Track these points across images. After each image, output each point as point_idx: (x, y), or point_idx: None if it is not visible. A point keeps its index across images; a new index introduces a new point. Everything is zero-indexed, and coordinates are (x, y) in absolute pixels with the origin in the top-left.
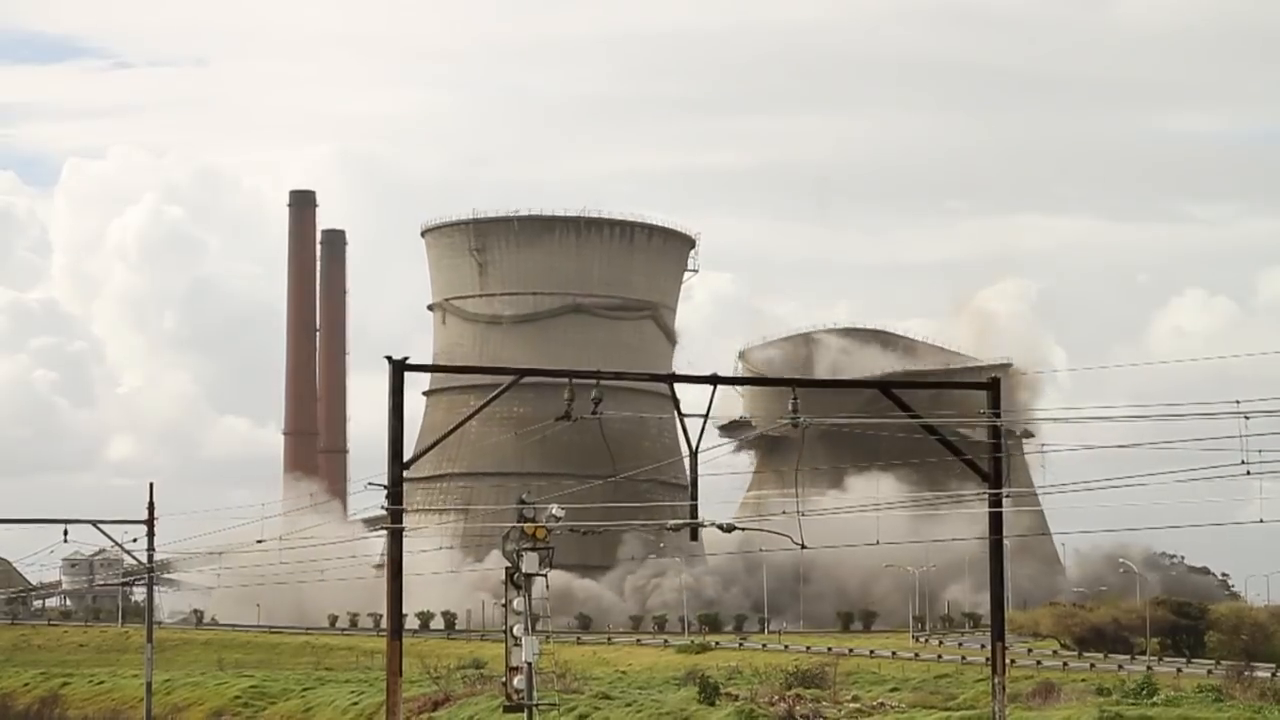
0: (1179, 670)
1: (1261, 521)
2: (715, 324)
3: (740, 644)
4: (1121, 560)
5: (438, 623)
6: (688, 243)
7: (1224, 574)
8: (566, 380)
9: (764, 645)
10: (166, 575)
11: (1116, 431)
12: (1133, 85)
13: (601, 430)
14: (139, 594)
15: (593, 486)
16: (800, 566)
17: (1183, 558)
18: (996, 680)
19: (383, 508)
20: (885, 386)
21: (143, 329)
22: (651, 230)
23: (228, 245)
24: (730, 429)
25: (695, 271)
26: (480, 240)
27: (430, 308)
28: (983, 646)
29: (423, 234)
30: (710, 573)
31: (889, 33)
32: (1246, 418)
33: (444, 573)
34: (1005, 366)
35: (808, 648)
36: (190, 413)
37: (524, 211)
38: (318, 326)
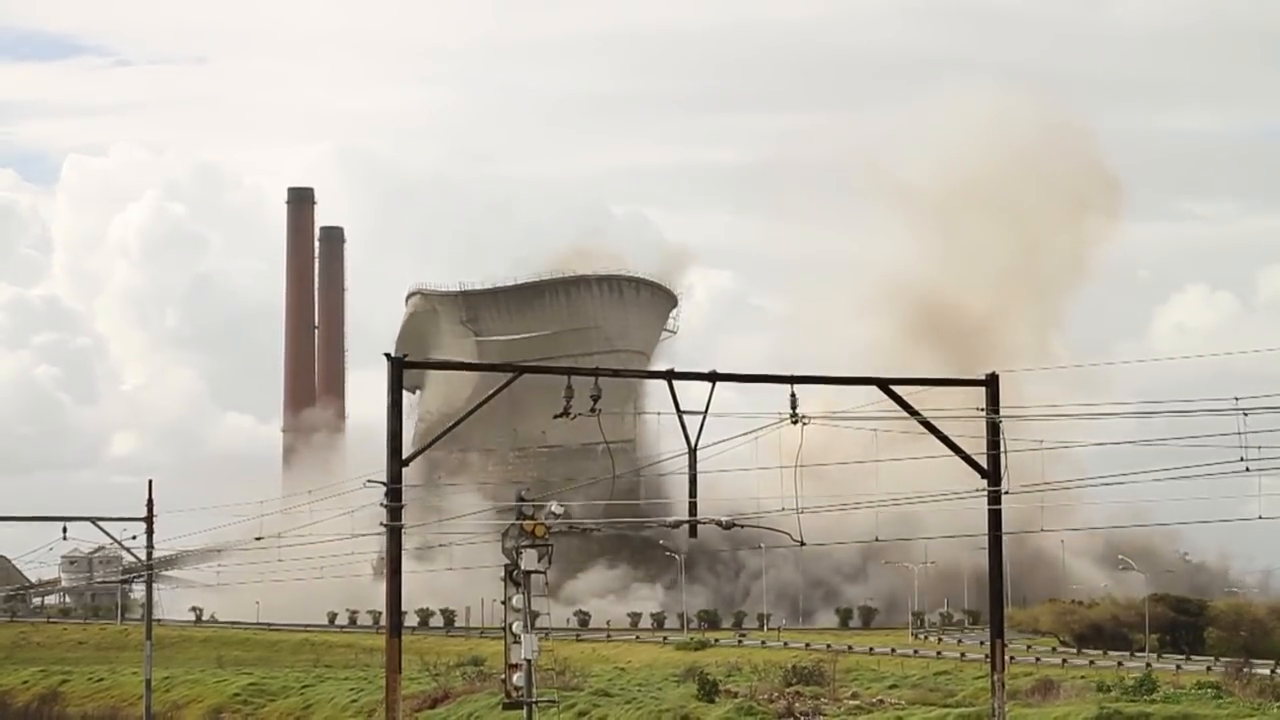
0: (1178, 667)
1: (1261, 518)
2: (714, 321)
3: (739, 641)
4: (1121, 557)
5: (437, 620)
6: (671, 300)
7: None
8: (565, 378)
9: (763, 642)
10: (165, 573)
11: (1116, 428)
12: (1132, 83)
13: (600, 429)
14: (138, 591)
15: (592, 484)
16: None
17: (1187, 554)
18: (996, 677)
19: (381, 505)
20: (884, 383)
21: (145, 326)
22: (639, 283)
23: (229, 242)
24: None
25: (674, 333)
26: (471, 311)
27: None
28: (982, 643)
29: (409, 297)
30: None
31: (886, 31)
32: (1245, 414)
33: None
34: None
35: (807, 645)
36: (194, 409)
37: (515, 279)
38: (316, 324)
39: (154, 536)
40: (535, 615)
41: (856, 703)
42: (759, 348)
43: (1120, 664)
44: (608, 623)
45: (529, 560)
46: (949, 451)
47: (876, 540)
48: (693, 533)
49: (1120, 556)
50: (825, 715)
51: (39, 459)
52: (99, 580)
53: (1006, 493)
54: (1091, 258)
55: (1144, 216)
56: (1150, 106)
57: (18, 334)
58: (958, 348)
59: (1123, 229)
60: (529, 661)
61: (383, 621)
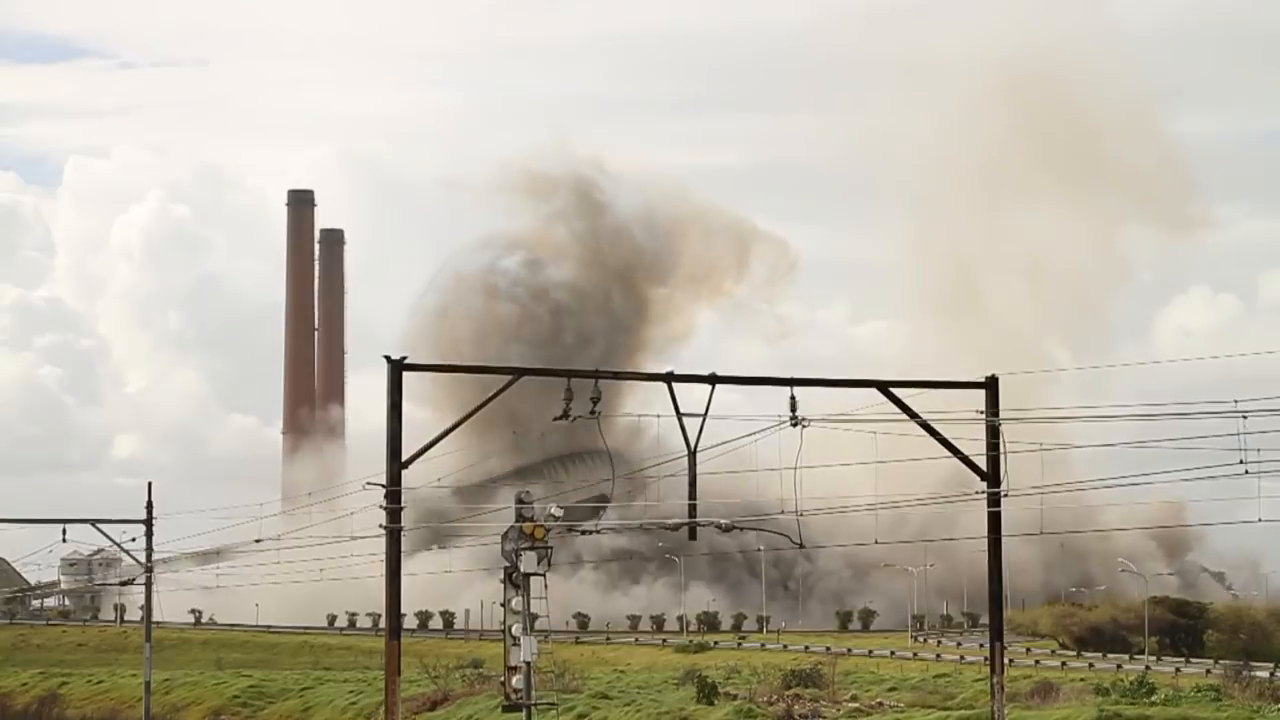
0: (1177, 670)
1: (1260, 521)
2: (714, 322)
3: (739, 643)
4: (1121, 560)
5: (436, 622)
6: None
7: (1219, 571)
8: (565, 380)
9: (762, 645)
10: (163, 574)
11: (1115, 431)
12: (1132, 85)
13: (599, 430)
14: (134, 593)
15: (591, 484)
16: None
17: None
18: (995, 680)
19: (381, 507)
20: (884, 385)
21: (148, 327)
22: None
23: (232, 244)
24: None
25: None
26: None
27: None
28: (981, 646)
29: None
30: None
31: (885, 32)
32: (1245, 417)
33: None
34: None
35: (806, 647)
36: (197, 411)
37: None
38: (316, 325)
39: (154, 539)
40: (534, 618)
41: (856, 705)
42: (760, 350)
43: (1119, 666)
44: (607, 625)
45: (528, 563)
46: (961, 452)
47: (876, 543)
48: (692, 535)
49: (1120, 560)
50: (824, 718)
51: (43, 461)
52: (97, 583)
53: (1006, 495)
54: (1101, 260)
55: (1145, 219)
56: (1151, 107)
57: (21, 336)
58: (964, 348)
59: (1126, 230)
60: (528, 664)
61: (382, 624)
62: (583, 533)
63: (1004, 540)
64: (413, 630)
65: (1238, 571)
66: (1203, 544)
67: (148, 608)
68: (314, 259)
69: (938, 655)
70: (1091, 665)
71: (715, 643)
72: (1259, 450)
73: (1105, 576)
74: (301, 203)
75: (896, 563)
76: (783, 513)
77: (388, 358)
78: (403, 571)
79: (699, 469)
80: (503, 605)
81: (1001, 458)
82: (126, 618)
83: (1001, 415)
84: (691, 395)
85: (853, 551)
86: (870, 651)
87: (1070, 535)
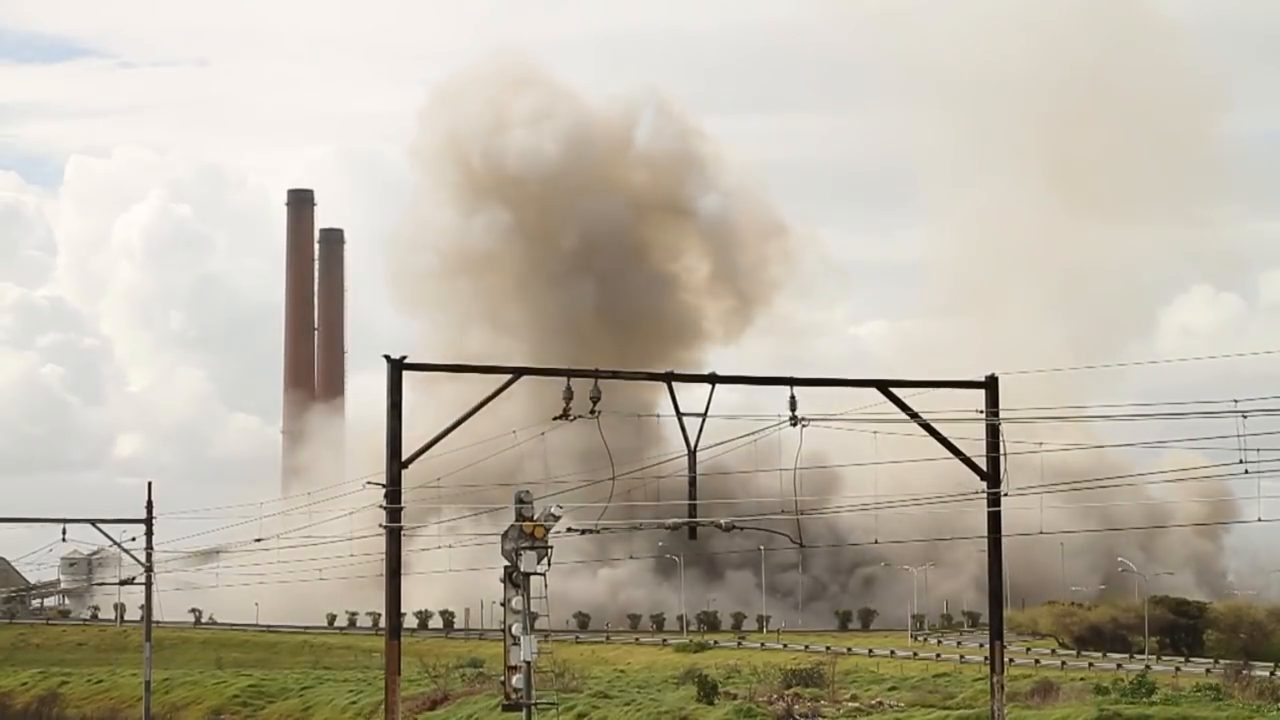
0: (1177, 669)
1: (1260, 520)
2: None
3: (739, 643)
4: (1120, 560)
5: (436, 622)
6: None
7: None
8: (564, 379)
9: (762, 644)
10: (163, 574)
11: (1117, 430)
12: (1136, 85)
13: (599, 430)
14: (135, 591)
15: (593, 484)
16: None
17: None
18: (995, 679)
19: (380, 506)
20: (884, 385)
21: (149, 326)
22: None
23: (234, 243)
24: None
25: None
26: None
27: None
28: (981, 645)
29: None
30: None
31: (887, 32)
32: (1245, 416)
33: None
34: None
35: (806, 646)
36: (200, 410)
37: None
38: (315, 325)
39: (154, 538)
40: (534, 617)
41: (856, 704)
42: (760, 349)
43: (1119, 666)
44: (607, 624)
45: (528, 562)
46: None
47: (875, 542)
48: (692, 534)
49: (1120, 559)
50: (824, 717)
51: (45, 460)
52: (96, 582)
53: (1006, 495)
54: (1099, 258)
55: (1146, 219)
56: (1155, 107)
57: (23, 335)
58: (964, 347)
59: (1129, 229)
60: (528, 663)
61: (382, 623)
62: (582, 532)
63: (1062, 536)
64: (413, 630)
65: (1262, 569)
66: (1230, 535)
67: (147, 607)
68: (314, 259)
69: (938, 655)
70: (1091, 665)
71: (715, 642)
72: (1259, 450)
73: (1148, 568)
74: (301, 202)
75: (897, 562)
76: (782, 512)
77: (387, 357)
78: (414, 570)
79: (698, 468)
80: (503, 605)
81: (1001, 458)
82: (126, 617)
83: (1001, 415)
84: (691, 395)
85: (880, 549)
86: (870, 651)
87: (1108, 531)
